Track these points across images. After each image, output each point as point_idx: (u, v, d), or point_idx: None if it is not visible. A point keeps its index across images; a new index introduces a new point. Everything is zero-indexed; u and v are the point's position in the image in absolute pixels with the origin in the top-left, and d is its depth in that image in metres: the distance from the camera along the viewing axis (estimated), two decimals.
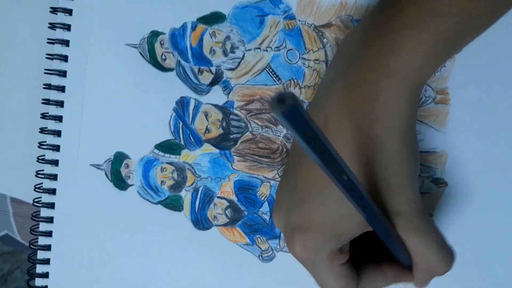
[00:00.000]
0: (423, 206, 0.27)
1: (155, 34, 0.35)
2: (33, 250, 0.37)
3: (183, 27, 0.35)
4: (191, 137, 0.36)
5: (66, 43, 0.35)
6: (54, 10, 0.35)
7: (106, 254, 0.37)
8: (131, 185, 0.36)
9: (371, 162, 0.26)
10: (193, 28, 0.35)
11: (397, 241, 0.27)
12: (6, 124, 0.38)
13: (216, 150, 0.36)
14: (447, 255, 0.27)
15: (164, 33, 0.35)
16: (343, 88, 0.27)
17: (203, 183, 0.36)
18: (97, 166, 0.36)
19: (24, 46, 0.37)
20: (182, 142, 0.36)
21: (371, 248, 0.30)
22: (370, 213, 0.23)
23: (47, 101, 0.35)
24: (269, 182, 0.36)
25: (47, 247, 0.37)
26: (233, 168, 0.36)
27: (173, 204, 0.36)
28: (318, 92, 0.31)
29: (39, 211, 0.36)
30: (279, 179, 0.35)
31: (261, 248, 0.36)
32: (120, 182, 0.36)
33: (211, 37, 0.35)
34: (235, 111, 0.35)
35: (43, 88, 0.35)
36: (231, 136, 0.35)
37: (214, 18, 0.35)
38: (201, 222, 0.36)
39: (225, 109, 0.35)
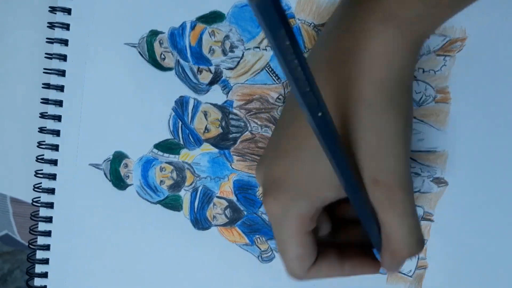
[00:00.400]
0: (409, 180, 0.24)
1: (154, 34, 0.35)
2: (32, 250, 0.37)
3: (182, 26, 0.35)
4: (190, 137, 0.36)
5: (65, 42, 0.35)
6: (53, 10, 0.35)
7: (105, 254, 0.36)
8: (130, 184, 0.36)
9: (355, 119, 0.23)
10: (192, 27, 0.34)
11: (370, 214, 0.25)
12: (5, 123, 0.38)
13: (216, 150, 0.36)
14: (418, 242, 0.25)
15: (163, 33, 0.35)
16: (336, 38, 0.25)
17: (202, 183, 0.36)
18: (96, 166, 0.36)
19: (23, 45, 0.37)
20: (181, 142, 0.36)
21: (338, 236, 0.30)
22: (343, 170, 0.22)
23: (46, 101, 0.35)
24: None
25: (46, 247, 0.36)
26: (233, 168, 0.36)
27: (172, 204, 0.36)
28: (315, 44, 0.30)
29: (38, 211, 0.36)
30: None
31: (260, 249, 0.36)
32: (119, 182, 0.36)
33: (210, 36, 0.34)
34: (235, 111, 0.35)
35: (42, 87, 0.35)
36: (231, 136, 0.35)
37: (213, 17, 0.34)
38: (200, 222, 0.36)
39: (224, 109, 0.35)
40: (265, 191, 0.26)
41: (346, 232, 0.30)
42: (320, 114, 0.19)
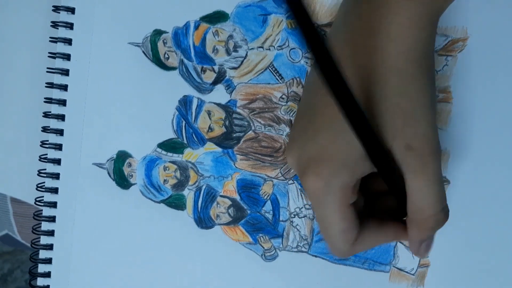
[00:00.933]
0: (439, 148, 0.25)
1: (158, 33, 0.35)
2: (35, 249, 0.37)
3: (186, 26, 0.35)
4: (194, 136, 0.36)
5: (68, 41, 0.35)
6: (56, 9, 0.35)
7: (108, 253, 0.37)
8: (134, 184, 0.36)
9: (387, 88, 0.24)
10: (196, 27, 0.35)
11: (396, 184, 0.25)
12: (7, 123, 0.38)
13: (219, 149, 0.36)
14: (445, 211, 0.26)
15: (167, 32, 0.35)
16: (358, 14, 0.26)
17: (206, 182, 0.36)
18: (100, 165, 0.36)
19: (26, 44, 0.37)
20: (185, 141, 0.36)
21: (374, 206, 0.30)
22: (368, 139, 0.22)
23: (49, 100, 0.35)
24: (272, 181, 0.36)
25: (49, 247, 0.36)
26: (236, 167, 0.36)
27: (175, 203, 0.36)
28: (334, 22, 0.30)
29: (41, 210, 0.36)
30: (282, 178, 0.36)
31: (264, 247, 0.36)
32: (122, 181, 0.36)
33: (214, 36, 0.35)
34: (238, 110, 0.35)
35: (46, 86, 0.35)
36: (234, 135, 0.35)
37: (217, 17, 0.35)
38: (203, 221, 0.36)
39: (228, 108, 0.35)
40: (303, 171, 0.26)
41: (380, 205, 0.30)
42: (341, 88, 0.20)
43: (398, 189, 0.26)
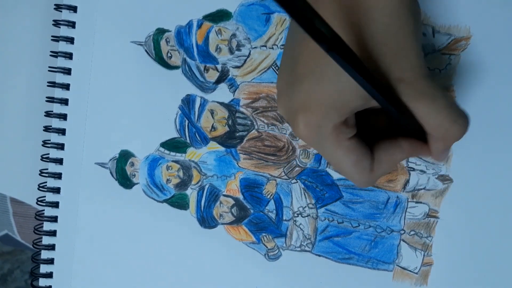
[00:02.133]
0: (427, 71, 0.26)
1: (160, 32, 0.35)
2: (36, 250, 0.36)
3: (189, 24, 0.34)
4: (197, 135, 0.36)
5: (70, 40, 0.35)
6: (58, 7, 0.34)
7: (111, 253, 0.36)
8: (137, 183, 0.36)
9: (372, 26, 0.24)
10: (199, 25, 0.34)
11: (405, 113, 0.25)
12: (8, 123, 0.38)
13: (222, 148, 0.36)
14: (460, 117, 0.26)
15: (170, 31, 0.35)
16: None
17: (209, 181, 0.36)
18: (102, 165, 0.36)
19: (28, 43, 0.37)
20: (188, 140, 0.36)
21: (385, 131, 0.30)
22: (363, 78, 0.22)
23: (51, 99, 0.35)
24: (275, 180, 0.36)
25: (51, 247, 0.36)
26: (239, 166, 0.36)
27: (178, 202, 0.36)
28: None
29: (43, 210, 0.36)
30: (285, 177, 0.35)
31: (267, 247, 0.36)
32: (125, 181, 0.36)
33: (217, 35, 0.34)
34: (241, 109, 0.35)
35: (47, 85, 0.35)
36: (237, 134, 0.35)
37: (220, 16, 0.34)
38: (207, 220, 0.36)
39: (231, 107, 0.35)
40: (294, 120, 0.26)
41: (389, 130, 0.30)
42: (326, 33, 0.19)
43: (405, 116, 0.26)
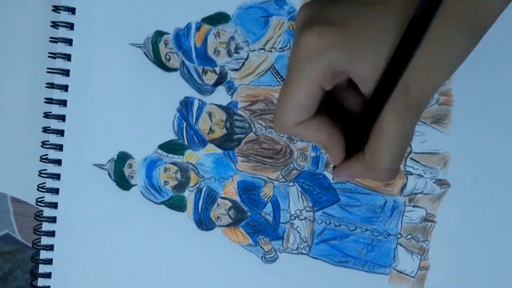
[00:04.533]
0: (427, 104, 0.25)
1: (159, 34, 0.35)
2: (36, 250, 0.37)
3: (188, 27, 0.35)
4: (195, 137, 0.36)
5: (69, 42, 0.35)
6: (56, 9, 0.34)
7: (109, 254, 0.37)
8: (135, 185, 0.36)
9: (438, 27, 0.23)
10: (198, 28, 0.34)
11: (372, 117, 0.25)
12: (7, 123, 0.38)
13: (220, 151, 0.36)
14: (395, 171, 0.25)
15: (169, 33, 0.35)
16: None
17: (207, 184, 0.36)
18: (100, 166, 0.36)
19: (27, 45, 0.37)
20: (186, 142, 0.36)
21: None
22: (404, 57, 0.22)
23: (50, 100, 0.35)
24: (273, 183, 0.36)
25: (50, 247, 0.36)
26: (237, 169, 0.36)
27: (176, 204, 0.36)
28: None
29: (42, 211, 0.36)
30: (282, 180, 0.35)
31: (264, 249, 0.36)
32: (123, 182, 0.36)
33: (216, 38, 0.34)
34: (239, 112, 0.35)
35: (46, 87, 0.35)
36: (235, 137, 0.35)
37: (218, 19, 0.34)
38: (204, 222, 0.36)
39: (229, 110, 0.35)
40: (310, 25, 0.24)
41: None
42: None
43: (368, 119, 0.25)
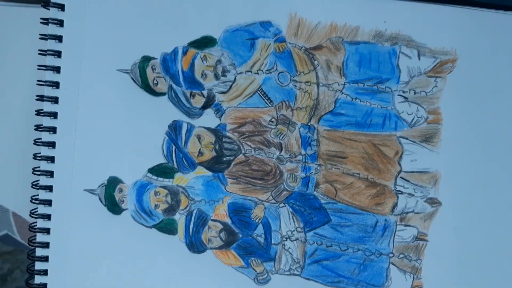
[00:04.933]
0: None
1: (146, 59, 0.35)
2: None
3: (174, 51, 0.35)
4: (184, 161, 0.36)
5: (57, 69, 0.35)
6: (44, 37, 0.35)
7: (101, 279, 0.36)
8: (125, 209, 0.36)
9: None
10: (184, 52, 0.35)
11: None
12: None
13: (210, 173, 0.36)
14: None
15: (156, 58, 0.35)
16: None
17: (197, 206, 0.36)
18: (91, 191, 0.36)
19: (15, 72, 0.37)
20: (175, 166, 0.36)
21: None
22: None
23: (39, 127, 0.35)
24: (263, 204, 0.36)
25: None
26: (227, 191, 0.36)
27: (167, 227, 0.36)
28: None
29: (35, 236, 0.36)
30: (273, 201, 0.35)
31: (256, 271, 0.36)
32: (114, 207, 0.36)
33: (202, 61, 0.35)
34: (228, 134, 0.35)
35: (35, 114, 0.35)
36: (224, 159, 0.35)
37: (205, 42, 0.35)
38: (195, 245, 0.36)
39: (217, 132, 0.35)
40: None
41: None
42: None
43: None
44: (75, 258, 0.36)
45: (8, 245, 0.43)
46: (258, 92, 0.35)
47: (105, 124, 0.35)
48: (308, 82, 0.35)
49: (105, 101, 0.35)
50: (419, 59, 0.34)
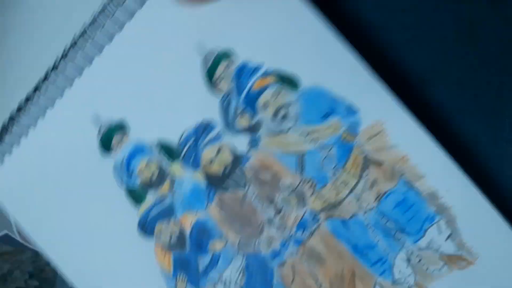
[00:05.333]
0: None
1: (228, 54, 0.32)
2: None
3: (256, 68, 0.32)
4: (192, 158, 0.34)
5: None
6: None
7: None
8: (112, 156, 0.35)
9: None
10: (264, 75, 0.32)
11: None
12: None
13: (204, 184, 0.34)
14: None
15: (237, 57, 0.32)
16: None
17: (172, 200, 0.35)
18: (97, 119, 0.34)
19: None
20: (182, 155, 0.34)
21: None
22: None
23: None
24: (226, 243, 0.35)
25: None
26: (207, 209, 0.35)
27: (135, 197, 0.35)
28: None
29: None
30: (236, 248, 0.35)
31: (176, 286, 0.36)
32: (106, 144, 0.35)
33: (273, 95, 0.32)
34: (245, 168, 0.34)
35: None
36: (225, 184, 0.34)
37: (289, 80, 0.32)
38: (146, 228, 0.35)
39: (238, 159, 0.34)
40: None
41: None
42: None
43: None
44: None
45: (8, 245, 0.42)
46: (299, 156, 0.33)
47: (151, 77, 0.33)
48: (345, 182, 0.33)
49: (164, 64, 0.33)
50: (445, 240, 0.33)
